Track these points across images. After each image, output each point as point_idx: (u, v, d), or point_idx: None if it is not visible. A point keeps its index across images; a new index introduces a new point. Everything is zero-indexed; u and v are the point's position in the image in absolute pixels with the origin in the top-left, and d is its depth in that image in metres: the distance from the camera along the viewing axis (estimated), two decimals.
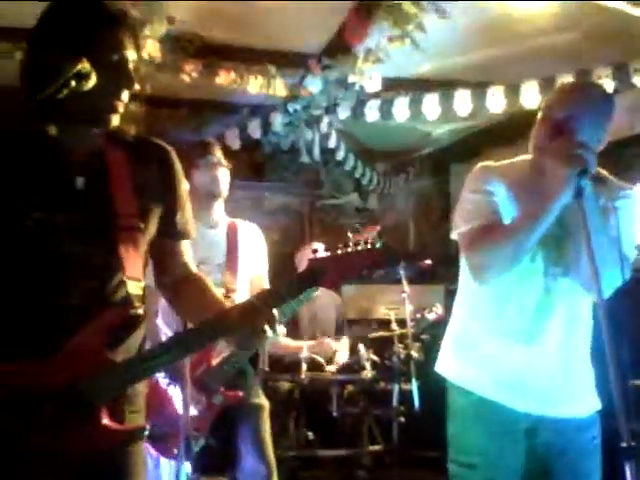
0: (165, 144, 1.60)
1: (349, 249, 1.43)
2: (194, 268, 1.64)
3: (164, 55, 3.13)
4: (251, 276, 2.74)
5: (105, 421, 1.38)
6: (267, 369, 3.89)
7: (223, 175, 2.68)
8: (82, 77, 1.37)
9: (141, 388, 1.52)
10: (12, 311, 1.42)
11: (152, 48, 3.00)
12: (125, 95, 1.45)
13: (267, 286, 2.78)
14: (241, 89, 3.52)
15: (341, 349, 4.36)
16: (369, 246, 1.43)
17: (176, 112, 3.70)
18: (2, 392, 1.34)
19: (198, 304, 1.56)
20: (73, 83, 1.37)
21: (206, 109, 4.09)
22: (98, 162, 1.47)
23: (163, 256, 1.60)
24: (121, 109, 1.45)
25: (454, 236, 1.97)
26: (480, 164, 1.97)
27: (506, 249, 1.81)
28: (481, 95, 3.88)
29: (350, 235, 1.46)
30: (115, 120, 1.46)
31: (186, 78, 3.34)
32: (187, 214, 1.61)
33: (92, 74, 1.38)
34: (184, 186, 1.61)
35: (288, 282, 1.46)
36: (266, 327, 1.42)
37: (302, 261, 3.68)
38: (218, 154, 2.69)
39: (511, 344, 1.90)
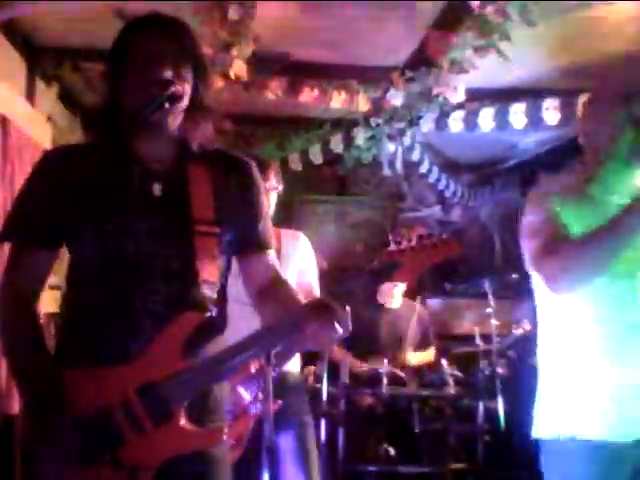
0: (244, 157, 1.63)
1: (422, 241, 1.42)
2: (281, 277, 1.64)
3: (250, 74, 3.20)
4: (298, 284, 2.71)
5: (183, 423, 1.40)
6: (347, 382, 3.88)
7: (272, 198, 2.66)
8: (175, 100, 1.44)
9: (221, 391, 1.54)
10: (90, 315, 1.47)
11: (238, 68, 3.08)
12: (194, 109, 1.49)
13: (317, 295, 2.75)
14: (324, 105, 3.55)
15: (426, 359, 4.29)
16: (441, 239, 1.41)
17: (260, 128, 3.78)
18: (80, 397, 1.39)
19: (279, 312, 1.56)
20: (167, 105, 1.43)
21: (289, 125, 4.15)
22: (177, 170, 1.52)
23: (248, 267, 1.62)
24: (194, 124, 1.49)
25: (527, 257, 1.93)
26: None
27: (588, 257, 1.76)
28: (570, 103, 3.75)
29: (391, 236, 1.44)
30: (177, 119, 1.50)
31: (271, 96, 3.41)
32: (268, 225, 1.64)
33: (185, 97, 1.45)
34: (264, 198, 1.63)
35: (359, 279, 1.45)
36: (336, 325, 1.40)
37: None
38: (272, 179, 2.67)
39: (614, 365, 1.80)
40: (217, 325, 1.54)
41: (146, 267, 1.45)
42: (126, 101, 1.48)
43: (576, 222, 1.83)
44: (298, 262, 2.74)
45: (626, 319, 1.81)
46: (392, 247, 1.42)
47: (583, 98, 3.53)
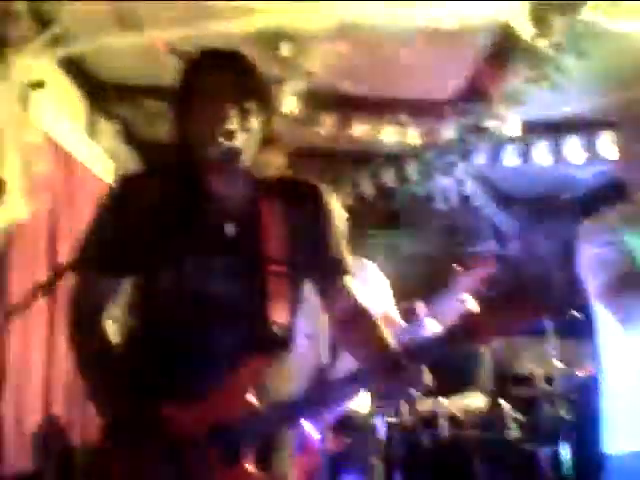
0: (317, 184, 1.60)
1: (507, 302, 1.35)
2: (362, 303, 1.60)
3: (302, 109, 3.25)
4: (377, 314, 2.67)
5: (248, 466, 1.38)
6: (406, 422, 3.79)
7: None
8: (230, 135, 1.43)
9: (288, 433, 1.51)
10: (162, 351, 1.47)
11: (291, 103, 3.14)
12: (256, 146, 1.49)
13: (398, 320, 2.71)
14: (375, 139, 3.56)
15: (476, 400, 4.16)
16: (530, 298, 1.34)
17: (312, 163, 3.82)
18: (150, 436, 1.38)
19: (359, 342, 1.53)
20: (224, 143, 1.42)
21: (341, 159, 4.18)
22: (248, 208, 1.51)
23: (326, 294, 1.60)
24: (248, 151, 1.48)
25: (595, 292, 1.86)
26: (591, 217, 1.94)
27: None
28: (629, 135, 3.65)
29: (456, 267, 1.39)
30: (246, 161, 1.48)
31: (322, 131, 3.45)
32: (343, 249, 1.59)
33: (238, 133, 1.44)
34: (338, 222, 1.59)
35: (437, 337, 1.41)
36: (409, 386, 1.38)
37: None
38: None
39: None
40: (288, 365, 1.52)
41: (218, 306, 1.45)
42: (193, 140, 1.47)
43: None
44: (369, 290, 2.71)
45: None
46: (469, 308, 1.37)
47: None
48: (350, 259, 1.60)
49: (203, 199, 1.50)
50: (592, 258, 1.86)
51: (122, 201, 1.52)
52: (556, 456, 3.79)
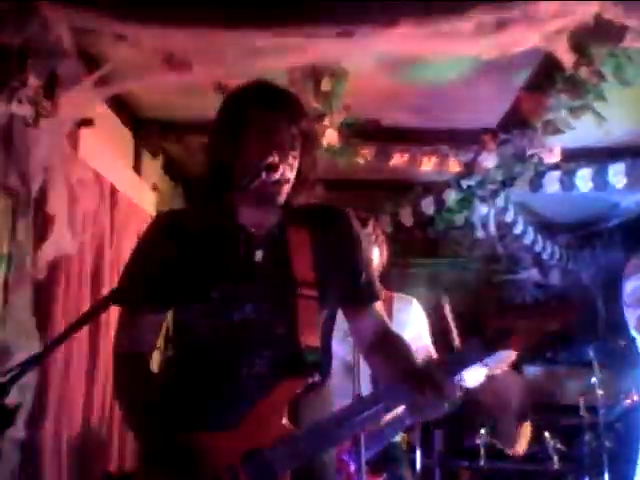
0: (344, 209, 1.63)
1: (538, 307, 1.34)
2: (391, 329, 1.61)
3: (341, 141, 3.26)
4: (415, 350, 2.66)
5: None
6: (443, 451, 3.74)
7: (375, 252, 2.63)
8: (272, 170, 1.47)
9: (328, 459, 1.52)
10: (197, 379, 1.49)
11: (330, 136, 3.15)
12: (293, 171, 1.51)
13: (434, 356, 2.69)
14: (415, 169, 3.56)
15: (523, 436, 4.09)
16: (564, 304, 1.34)
17: (352, 193, 3.83)
18: (185, 464, 1.40)
19: (389, 366, 1.53)
20: (264, 176, 1.46)
21: (380, 189, 4.17)
22: (276, 236, 1.55)
23: (355, 321, 1.62)
24: (287, 185, 1.51)
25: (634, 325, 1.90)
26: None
27: None
28: None
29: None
30: (284, 194, 1.52)
31: (361, 161, 3.46)
32: (371, 276, 1.62)
33: (280, 166, 1.47)
34: (366, 248, 1.62)
35: (471, 344, 1.39)
36: (434, 397, 1.36)
37: None
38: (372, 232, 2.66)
39: None
40: (321, 389, 1.52)
41: (250, 333, 1.47)
42: (234, 172, 1.50)
43: None
44: (412, 328, 2.71)
45: None
46: (506, 311, 1.35)
47: None
48: (379, 285, 1.62)
49: (235, 229, 1.54)
50: (635, 290, 1.90)
51: (160, 236, 1.57)
52: None
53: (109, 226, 3.10)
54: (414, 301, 2.80)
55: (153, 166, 3.82)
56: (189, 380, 1.50)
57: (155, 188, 3.72)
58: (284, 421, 1.41)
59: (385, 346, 1.57)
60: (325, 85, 2.97)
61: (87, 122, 2.74)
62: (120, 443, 3.13)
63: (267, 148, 1.46)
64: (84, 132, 2.80)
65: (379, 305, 1.63)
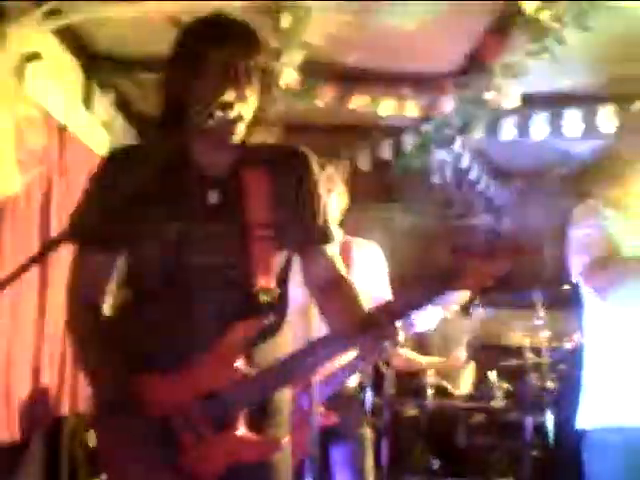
0: (303, 149, 1.60)
1: (489, 249, 1.35)
2: (342, 272, 1.61)
3: (300, 82, 3.20)
4: (372, 297, 2.69)
5: (242, 431, 1.40)
6: (392, 392, 3.84)
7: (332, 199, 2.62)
8: (228, 107, 1.41)
9: (282, 398, 1.53)
10: (150, 322, 1.48)
11: (288, 76, 3.08)
12: (251, 115, 1.47)
13: None
14: (374, 112, 3.52)
15: (466, 375, 4.23)
16: (515, 245, 1.34)
17: (310, 137, 3.78)
18: (135, 406, 1.40)
19: (339, 310, 1.54)
20: (219, 114, 1.41)
21: (338, 133, 4.13)
22: (232, 176, 1.51)
23: (308, 262, 1.61)
24: (246, 123, 1.47)
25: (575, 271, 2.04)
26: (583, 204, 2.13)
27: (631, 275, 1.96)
28: (625, 110, 3.64)
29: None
30: (240, 133, 1.48)
31: (320, 103, 3.41)
32: (327, 218, 1.60)
33: (236, 104, 1.42)
34: (323, 191, 1.60)
35: (422, 285, 1.40)
36: (384, 340, 1.39)
37: None
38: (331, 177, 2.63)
39: None
40: (276, 331, 1.52)
41: (204, 275, 1.45)
42: (188, 109, 1.45)
43: (625, 233, 1.99)
44: (373, 272, 2.70)
45: None
46: (459, 252, 1.35)
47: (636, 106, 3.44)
48: (334, 228, 1.62)
49: (188, 168, 1.50)
50: (578, 240, 2.03)
51: (111, 173, 1.52)
52: (541, 426, 3.88)
53: (57, 165, 2.99)
54: (374, 246, 2.81)
55: (104, 103, 3.67)
56: (143, 323, 1.49)
57: (106, 126, 3.60)
58: (239, 362, 1.42)
59: (334, 290, 1.57)
60: (284, 22, 2.88)
61: (34, 56, 2.60)
62: (73, 386, 3.11)
63: (222, 85, 1.41)
64: (31, 67, 2.66)
65: (333, 248, 1.62)
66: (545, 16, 2.97)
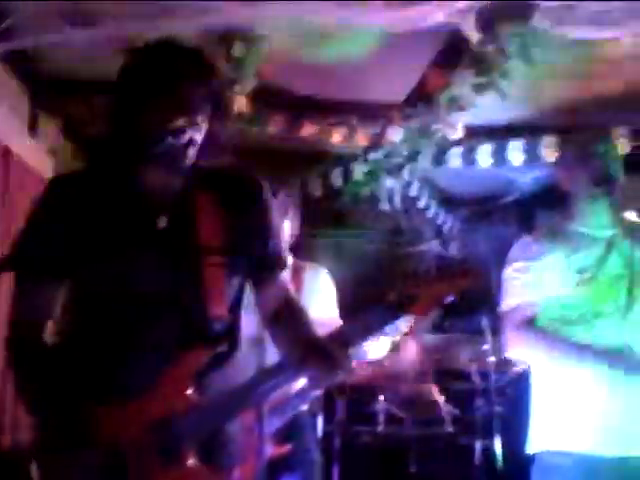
0: (255, 177, 1.59)
1: (439, 275, 1.36)
2: (295, 299, 1.61)
3: (252, 109, 3.21)
4: (322, 323, 2.69)
5: (192, 463, 1.37)
6: (344, 418, 3.83)
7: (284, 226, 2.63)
8: (179, 133, 1.40)
9: (234, 429, 1.50)
10: (97, 352, 1.44)
11: (241, 103, 3.10)
12: (202, 135, 1.46)
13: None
14: (324, 140, 3.57)
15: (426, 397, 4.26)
16: (461, 269, 1.37)
17: (262, 162, 3.79)
18: (85, 437, 1.36)
19: (291, 338, 1.53)
20: (170, 140, 1.40)
21: (290, 158, 4.16)
22: (183, 201, 1.49)
23: (260, 289, 1.60)
24: (197, 149, 1.46)
25: None
26: None
27: None
28: (567, 141, 3.78)
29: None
30: (191, 158, 1.46)
31: (271, 130, 3.43)
32: (279, 245, 1.60)
33: (187, 130, 1.41)
34: (275, 217, 1.60)
35: (374, 312, 1.40)
36: (337, 370, 1.39)
37: None
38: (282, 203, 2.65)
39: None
40: (228, 360, 1.50)
41: (155, 303, 1.43)
42: (138, 134, 1.44)
43: (560, 272, 2.05)
44: (321, 298, 2.72)
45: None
46: (409, 279, 1.36)
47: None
48: (286, 254, 1.63)
49: (137, 192, 1.48)
50: (506, 280, 2.10)
51: (55, 200, 1.49)
52: (489, 450, 3.93)
53: (1, 190, 2.92)
54: (323, 272, 2.83)
55: (50, 128, 3.62)
56: (91, 352, 1.45)
57: (52, 151, 3.53)
58: (190, 392, 1.39)
59: (286, 317, 1.57)
60: (237, 51, 2.90)
61: None
62: (13, 417, 3.00)
63: (173, 111, 1.40)
64: None
65: (285, 275, 1.62)
66: (489, 49, 3.07)
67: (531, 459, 2.05)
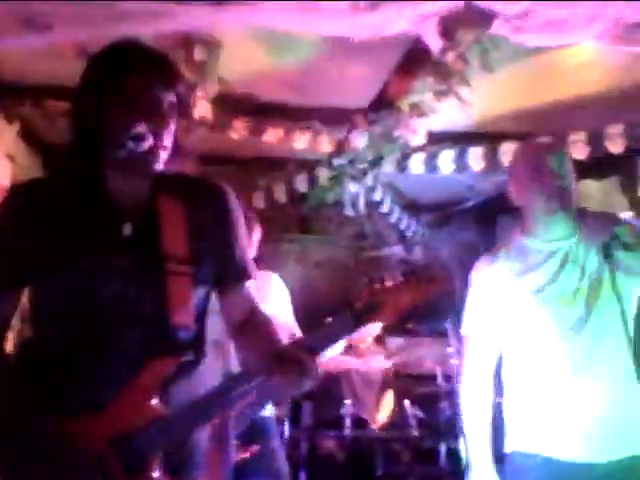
0: (222, 185, 1.57)
1: (407, 279, 1.36)
2: (260, 309, 1.59)
3: (215, 115, 3.19)
4: (286, 330, 2.70)
5: (156, 475, 1.35)
6: (310, 423, 3.83)
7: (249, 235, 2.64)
8: (140, 139, 1.38)
9: (198, 439, 1.48)
10: (59, 360, 1.41)
11: (203, 108, 3.07)
12: (169, 145, 1.45)
13: (298, 333, 2.74)
14: (288, 145, 3.56)
15: (385, 406, 4.28)
16: (429, 276, 1.36)
17: (226, 168, 3.77)
18: (49, 447, 1.33)
19: (258, 346, 1.51)
20: (131, 145, 1.38)
21: (254, 164, 4.15)
22: (148, 208, 1.47)
23: (225, 299, 1.58)
24: (163, 154, 1.44)
25: None
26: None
27: None
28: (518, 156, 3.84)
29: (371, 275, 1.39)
30: (154, 164, 1.44)
31: (235, 136, 3.41)
32: (246, 255, 1.58)
33: (149, 136, 1.39)
34: (242, 227, 1.58)
35: (340, 320, 1.39)
36: (302, 377, 1.37)
37: None
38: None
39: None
40: (193, 369, 1.48)
41: (118, 311, 1.40)
42: (100, 140, 1.42)
43: (514, 290, 2.08)
44: (272, 303, 2.72)
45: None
46: (374, 285, 1.36)
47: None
48: (252, 263, 1.60)
49: (101, 199, 1.46)
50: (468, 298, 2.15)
51: (17, 208, 1.45)
52: (454, 451, 3.97)
53: None
54: (274, 276, 2.82)
55: (8, 133, 3.54)
56: (53, 362, 1.42)
57: (10, 157, 3.46)
58: (154, 402, 1.37)
59: (252, 326, 1.55)
60: (198, 54, 2.88)
61: None
62: None
63: (135, 116, 1.38)
64: None
65: (251, 285, 1.60)
66: (450, 57, 3.10)
67: (502, 458, 2.07)
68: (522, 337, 2.08)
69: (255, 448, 2.53)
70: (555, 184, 2.02)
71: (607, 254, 1.90)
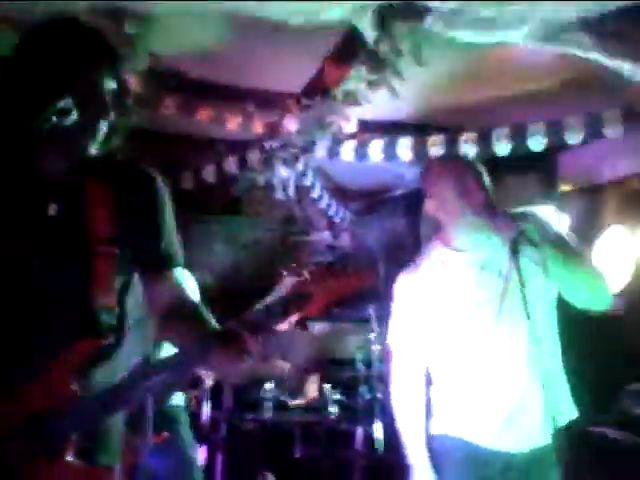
0: (151, 170, 1.56)
1: (339, 273, 1.38)
2: (188, 296, 1.57)
3: (144, 89, 3.12)
4: None
5: (70, 459, 1.33)
6: (230, 405, 3.84)
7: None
8: (64, 114, 1.36)
9: (115, 423, 1.47)
10: None
11: (132, 82, 2.99)
12: (102, 125, 1.43)
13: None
14: (219, 125, 3.52)
15: (309, 389, 4.34)
16: (358, 270, 1.39)
17: (153, 145, 3.68)
18: None
19: (186, 331, 1.49)
20: (55, 119, 1.35)
21: (184, 143, 4.08)
22: (75, 189, 1.45)
23: (151, 286, 1.56)
24: (98, 139, 1.43)
25: None
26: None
27: None
28: (454, 140, 3.94)
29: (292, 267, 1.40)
30: (92, 149, 1.43)
31: (165, 112, 3.34)
32: (172, 241, 1.56)
33: (74, 111, 1.37)
34: (169, 213, 1.57)
35: (270, 308, 1.39)
36: (244, 355, 1.36)
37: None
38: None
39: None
40: (114, 352, 1.47)
41: (40, 292, 1.38)
42: (22, 112, 1.38)
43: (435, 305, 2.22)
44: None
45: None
46: (301, 277, 1.37)
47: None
48: (180, 251, 1.58)
49: (27, 177, 1.43)
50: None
51: None
52: (370, 435, 4.08)
53: None
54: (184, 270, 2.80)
55: None
56: None
57: None
58: (73, 385, 1.35)
59: (181, 315, 1.54)
60: (129, 27, 2.80)
61: None
62: None
63: (58, 89, 1.36)
64: None
65: (179, 272, 1.59)
66: (384, 47, 3.14)
67: (430, 440, 2.17)
68: (446, 337, 2.18)
69: (165, 434, 2.53)
70: (480, 201, 2.11)
71: (514, 250, 1.99)
